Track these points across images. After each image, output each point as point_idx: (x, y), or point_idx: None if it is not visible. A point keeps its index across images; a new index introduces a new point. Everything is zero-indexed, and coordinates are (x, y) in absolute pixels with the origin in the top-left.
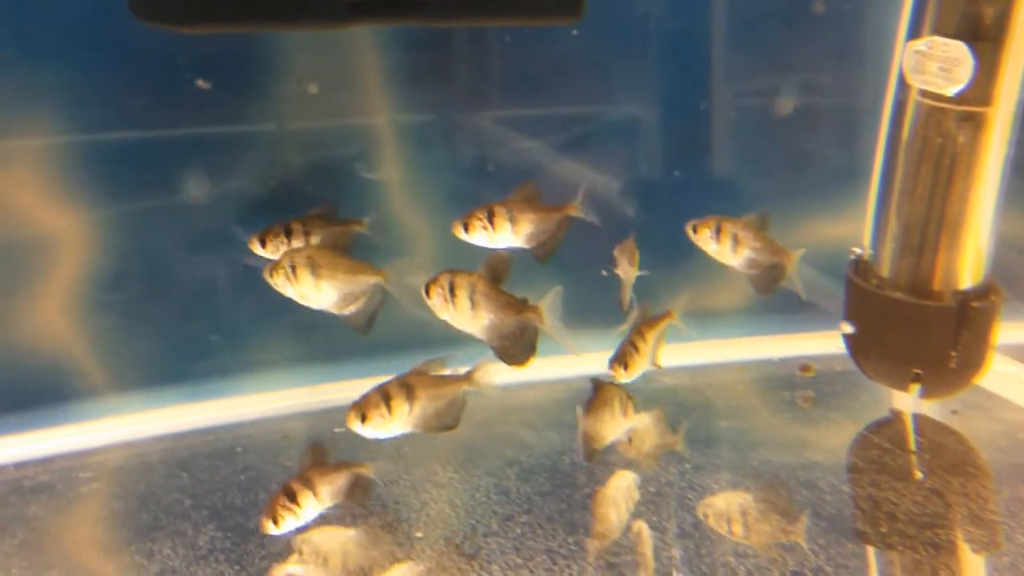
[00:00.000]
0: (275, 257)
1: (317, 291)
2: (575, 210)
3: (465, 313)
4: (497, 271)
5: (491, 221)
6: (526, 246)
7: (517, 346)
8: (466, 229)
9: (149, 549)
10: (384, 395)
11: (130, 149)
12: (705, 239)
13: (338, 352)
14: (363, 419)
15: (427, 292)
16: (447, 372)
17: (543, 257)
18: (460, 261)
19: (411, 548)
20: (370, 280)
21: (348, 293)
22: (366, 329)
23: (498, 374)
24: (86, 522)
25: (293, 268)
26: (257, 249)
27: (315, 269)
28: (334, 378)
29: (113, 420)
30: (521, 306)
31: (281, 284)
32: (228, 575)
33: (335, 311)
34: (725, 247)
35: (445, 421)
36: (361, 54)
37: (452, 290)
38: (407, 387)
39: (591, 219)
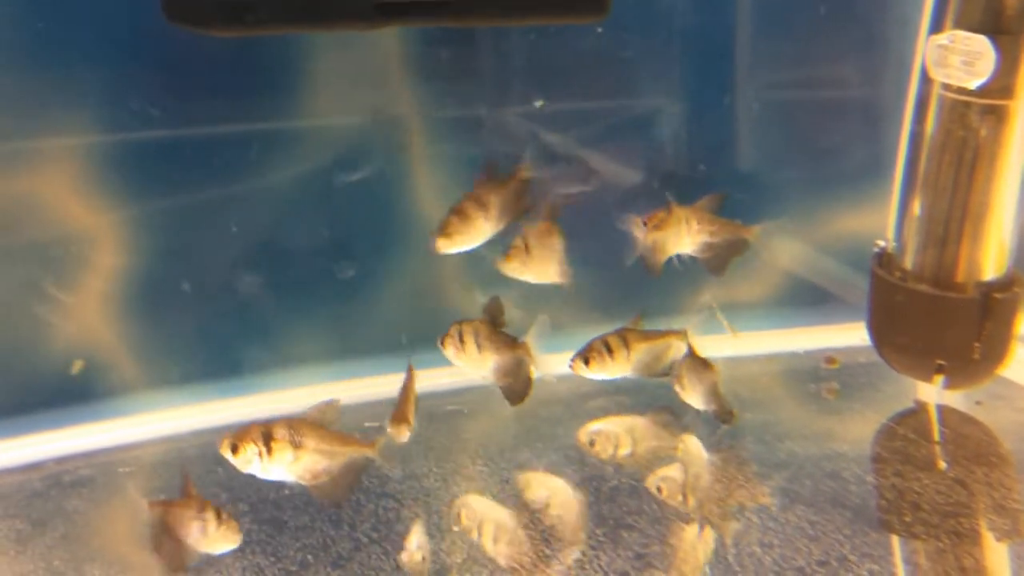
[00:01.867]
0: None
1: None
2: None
3: (474, 357)
4: (495, 315)
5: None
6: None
7: (518, 382)
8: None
9: None
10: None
11: (163, 147)
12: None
13: (370, 347)
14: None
15: (441, 343)
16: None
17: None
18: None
19: (442, 540)
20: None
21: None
22: None
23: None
24: (125, 515)
25: (461, 337)
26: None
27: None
28: (366, 373)
29: (151, 415)
30: (514, 343)
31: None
32: (264, 566)
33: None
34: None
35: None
36: (386, 50)
37: (461, 338)
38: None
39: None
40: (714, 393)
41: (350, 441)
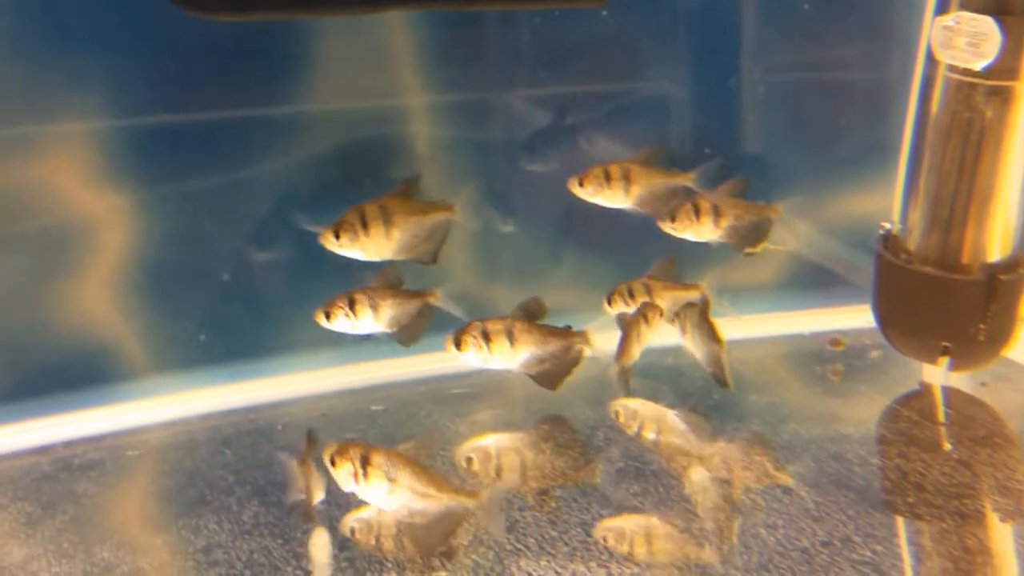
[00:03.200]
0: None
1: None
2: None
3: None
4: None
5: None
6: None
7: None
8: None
9: (195, 524)
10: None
11: (171, 132)
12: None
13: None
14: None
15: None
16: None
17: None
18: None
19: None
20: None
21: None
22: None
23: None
24: (134, 498)
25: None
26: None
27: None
28: (372, 357)
29: (159, 399)
30: (567, 333)
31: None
32: (272, 548)
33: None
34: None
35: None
36: (392, 34)
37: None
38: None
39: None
40: (717, 360)
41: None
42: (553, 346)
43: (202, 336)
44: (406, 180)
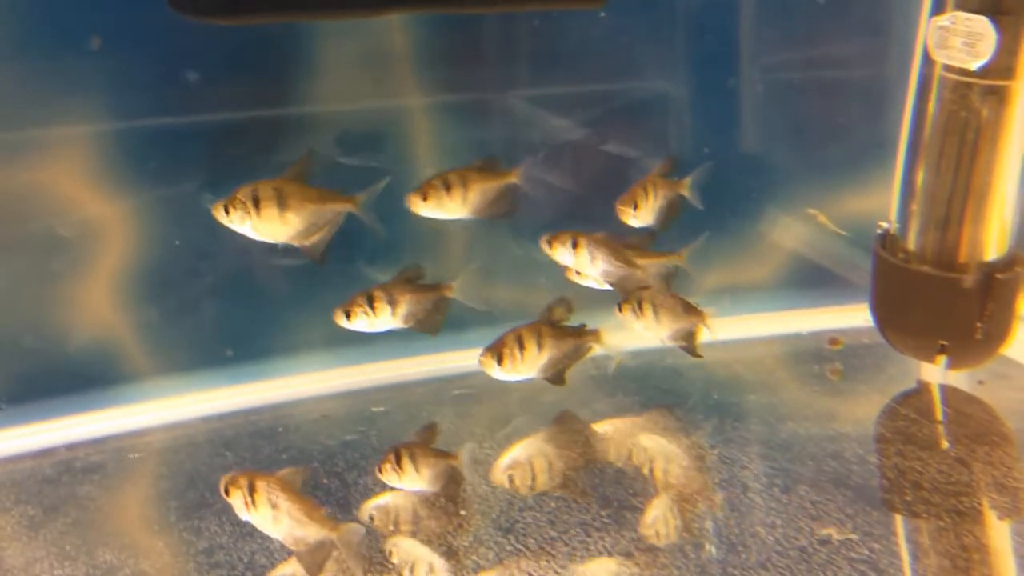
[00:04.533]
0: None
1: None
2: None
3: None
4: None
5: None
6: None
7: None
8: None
9: (197, 526)
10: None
11: (173, 134)
12: (560, 253)
13: (378, 334)
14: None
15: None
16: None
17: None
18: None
19: (448, 523)
20: (338, 208)
21: (313, 224)
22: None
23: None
24: (136, 500)
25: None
26: (342, 321)
27: (281, 199)
28: (372, 359)
29: (160, 402)
30: (581, 332)
31: (238, 219)
32: (274, 550)
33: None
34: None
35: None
36: (391, 36)
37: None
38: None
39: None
40: (688, 333)
41: None
42: (570, 345)
43: (207, 341)
44: (302, 157)
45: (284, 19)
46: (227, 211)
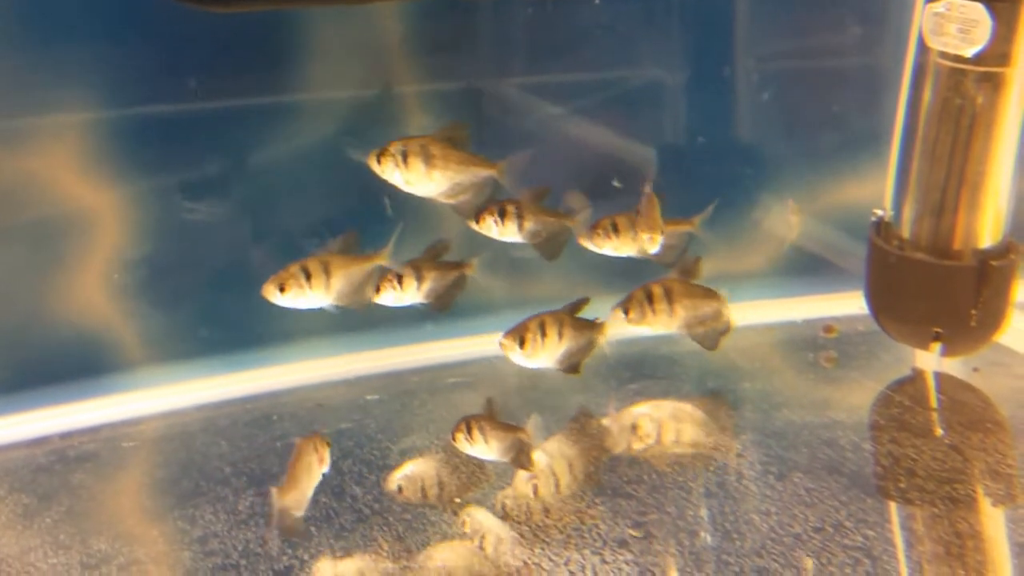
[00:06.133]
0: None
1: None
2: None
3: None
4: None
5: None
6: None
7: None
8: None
9: (191, 514)
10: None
11: (166, 123)
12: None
13: (372, 321)
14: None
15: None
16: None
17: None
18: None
19: (443, 512)
20: (482, 172)
21: (457, 184)
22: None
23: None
24: (130, 489)
25: (405, 155)
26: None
27: (428, 158)
28: (368, 347)
29: (154, 390)
30: (594, 325)
31: (390, 169)
32: (268, 538)
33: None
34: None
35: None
36: (385, 24)
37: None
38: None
39: None
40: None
41: None
42: (586, 338)
43: (201, 329)
44: (453, 122)
45: (274, 7)
46: (379, 161)
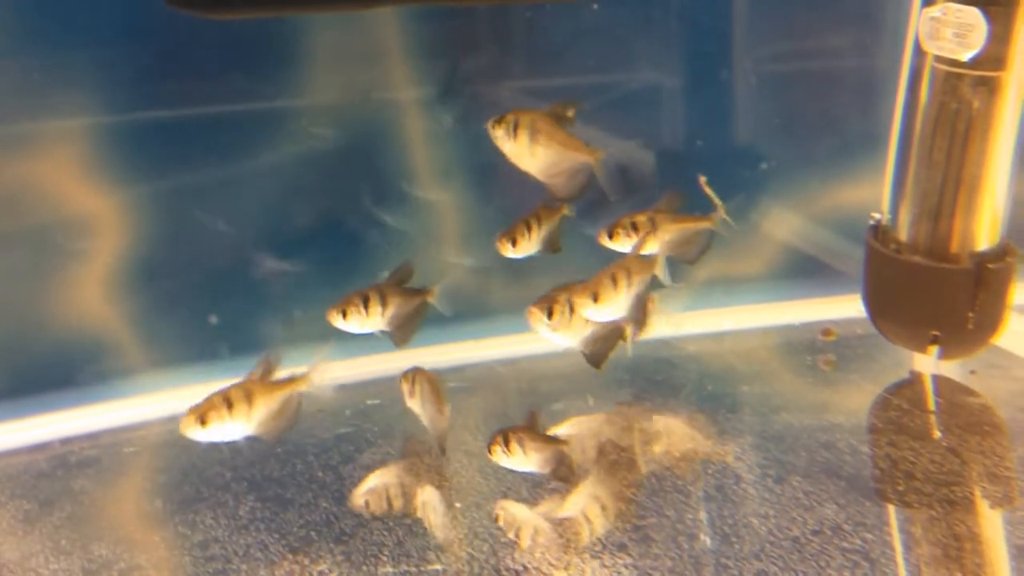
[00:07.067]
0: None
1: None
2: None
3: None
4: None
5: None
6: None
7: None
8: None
9: (192, 520)
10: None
11: (165, 128)
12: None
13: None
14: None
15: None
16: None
17: None
18: (480, 229)
19: (445, 514)
20: (581, 158)
21: (555, 164)
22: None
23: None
24: (131, 495)
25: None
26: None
27: (534, 133)
28: (367, 352)
29: (155, 396)
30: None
31: (501, 138)
32: (269, 543)
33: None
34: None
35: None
36: (383, 28)
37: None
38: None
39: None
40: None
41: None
42: (611, 326)
43: (202, 334)
44: (563, 102)
45: (273, 14)
46: (494, 127)
